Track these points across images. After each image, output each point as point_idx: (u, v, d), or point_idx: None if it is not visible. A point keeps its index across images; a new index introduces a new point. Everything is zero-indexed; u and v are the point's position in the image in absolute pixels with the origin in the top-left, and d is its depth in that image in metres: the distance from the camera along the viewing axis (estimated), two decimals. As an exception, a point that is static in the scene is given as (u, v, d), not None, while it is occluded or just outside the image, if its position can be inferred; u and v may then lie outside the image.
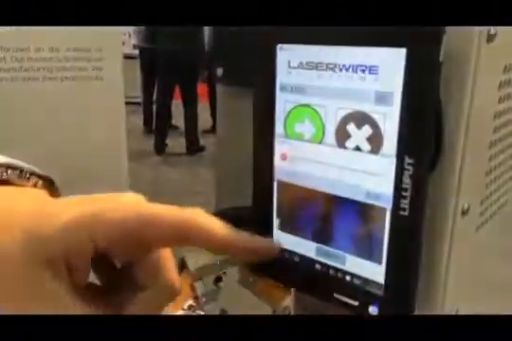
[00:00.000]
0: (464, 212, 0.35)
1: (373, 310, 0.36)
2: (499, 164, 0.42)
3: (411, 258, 0.34)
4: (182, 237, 0.25)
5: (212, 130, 4.22)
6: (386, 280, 0.36)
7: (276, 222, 0.41)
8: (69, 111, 1.06)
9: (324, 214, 0.38)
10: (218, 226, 0.26)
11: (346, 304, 0.38)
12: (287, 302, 0.88)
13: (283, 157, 0.39)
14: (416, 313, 0.36)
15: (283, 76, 0.37)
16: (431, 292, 0.37)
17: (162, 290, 0.26)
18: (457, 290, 0.38)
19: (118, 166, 1.16)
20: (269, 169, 0.40)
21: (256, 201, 0.42)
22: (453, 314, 0.39)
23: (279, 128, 0.39)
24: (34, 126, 1.01)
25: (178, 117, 4.35)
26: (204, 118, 4.26)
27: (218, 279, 1.00)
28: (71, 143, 1.07)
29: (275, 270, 0.43)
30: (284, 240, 0.41)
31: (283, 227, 0.41)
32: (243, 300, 0.91)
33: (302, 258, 0.40)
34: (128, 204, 0.25)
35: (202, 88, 4.48)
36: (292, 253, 0.41)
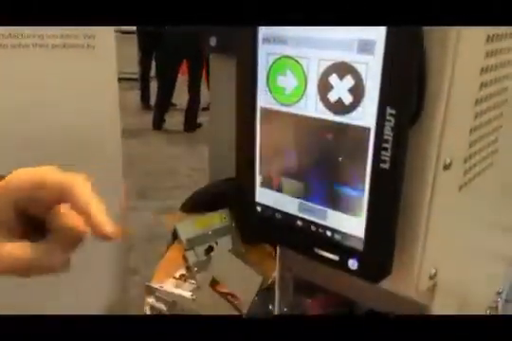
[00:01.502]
0: (445, 167, 0.35)
1: (352, 264, 0.36)
2: (485, 123, 0.41)
3: (390, 211, 0.34)
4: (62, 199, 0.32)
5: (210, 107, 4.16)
6: (365, 234, 0.35)
7: (258, 178, 0.41)
8: (59, 79, 1.04)
9: (307, 150, 0.37)
10: (90, 197, 0.31)
11: (327, 259, 0.38)
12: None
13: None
14: (393, 270, 0.36)
15: (265, 27, 0.36)
16: (410, 247, 0.36)
17: (61, 231, 0.33)
18: (436, 248, 0.38)
19: (110, 138, 1.14)
20: (251, 125, 0.39)
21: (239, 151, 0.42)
22: (433, 271, 0.39)
23: (261, 81, 0.38)
24: (22, 94, 0.99)
25: (175, 94, 4.31)
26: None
27: (209, 249, 1.01)
28: (61, 114, 1.06)
29: (259, 229, 0.43)
30: (267, 197, 0.41)
31: (265, 184, 0.41)
32: (234, 270, 0.91)
33: (285, 215, 0.40)
34: (26, 171, 0.32)
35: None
36: (274, 210, 0.41)
